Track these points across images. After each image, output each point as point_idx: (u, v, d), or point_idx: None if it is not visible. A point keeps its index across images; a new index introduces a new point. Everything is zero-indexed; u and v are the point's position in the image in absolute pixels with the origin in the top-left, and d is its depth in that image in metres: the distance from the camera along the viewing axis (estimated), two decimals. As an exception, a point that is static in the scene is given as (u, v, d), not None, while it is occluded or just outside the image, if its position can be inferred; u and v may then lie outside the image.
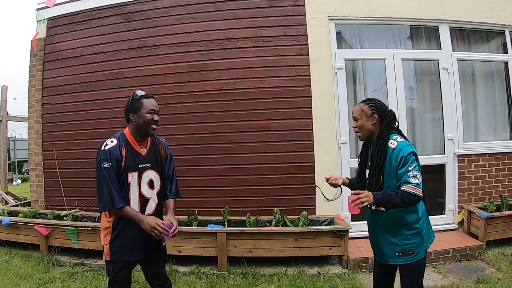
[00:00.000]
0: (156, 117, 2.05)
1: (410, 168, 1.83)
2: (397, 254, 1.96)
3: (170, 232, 1.98)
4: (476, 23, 4.33)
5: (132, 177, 2.01)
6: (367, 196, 1.76)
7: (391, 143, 1.93)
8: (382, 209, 1.95)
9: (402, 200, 1.78)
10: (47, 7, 4.79)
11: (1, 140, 6.76)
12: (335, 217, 3.82)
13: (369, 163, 2.04)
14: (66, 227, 3.83)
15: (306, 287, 3.11)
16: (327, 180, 2.15)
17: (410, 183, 1.81)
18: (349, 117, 4.17)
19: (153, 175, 2.11)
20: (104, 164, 1.93)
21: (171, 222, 2.02)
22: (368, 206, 1.87)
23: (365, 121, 2.00)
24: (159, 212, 2.19)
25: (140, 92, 2.08)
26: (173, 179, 2.24)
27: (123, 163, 1.98)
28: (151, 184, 2.10)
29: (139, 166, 2.05)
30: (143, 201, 2.06)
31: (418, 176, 1.83)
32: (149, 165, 2.09)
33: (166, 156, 2.22)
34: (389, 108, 2.07)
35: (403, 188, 1.81)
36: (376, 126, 2.00)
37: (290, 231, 3.52)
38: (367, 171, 2.07)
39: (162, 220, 2.20)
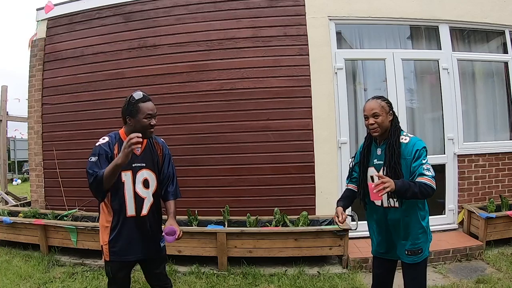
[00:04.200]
0: (153, 122, 2.03)
1: (423, 161, 1.87)
2: (406, 253, 1.96)
3: (173, 237, 2.00)
4: (476, 23, 4.33)
5: (126, 176, 2.01)
6: (389, 181, 1.74)
7: (403, 139, 1.96)
8: (396, 205, 1.95)
9: (420, 190, 1.79)
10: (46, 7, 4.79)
11: (1, 140, 6.76)
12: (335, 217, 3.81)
13: (376, 160, 2.03)
14: (66, 226, 3.83)
15: (306, 287, 3.11)
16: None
17: (425, 175, 1.83)
18: (349, 117, 4.17)
19: (148, 175, 2.09)
20: (91, 159, 1.96)
21: (172, 226, 2.02)
22: (380, 203, 1.92)
23: (385, 117, 1.98)
24: (155, 212, 2.16)
25: (137, 95, 2.01)
26: (173, 179, 2.22)
27: None
28: (146, 184, 2.08)
29: (133, 165, 2.03)
30: (138, 200, 2.05)
31: (431, 169, 1.86)
32: (144, 164, 2.07)
33: (164, 156, 2.19)
34: None
35: (420, 179, 1.82)
36: (389, 123, 2.00)
37: (290, 231, 3.52)
38: (370, 169, 2.05)
39: (160, 221, 2.21)
